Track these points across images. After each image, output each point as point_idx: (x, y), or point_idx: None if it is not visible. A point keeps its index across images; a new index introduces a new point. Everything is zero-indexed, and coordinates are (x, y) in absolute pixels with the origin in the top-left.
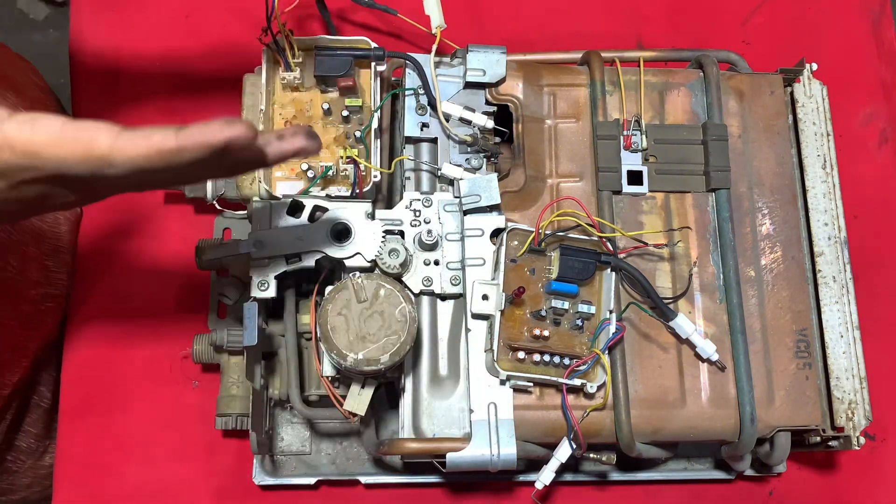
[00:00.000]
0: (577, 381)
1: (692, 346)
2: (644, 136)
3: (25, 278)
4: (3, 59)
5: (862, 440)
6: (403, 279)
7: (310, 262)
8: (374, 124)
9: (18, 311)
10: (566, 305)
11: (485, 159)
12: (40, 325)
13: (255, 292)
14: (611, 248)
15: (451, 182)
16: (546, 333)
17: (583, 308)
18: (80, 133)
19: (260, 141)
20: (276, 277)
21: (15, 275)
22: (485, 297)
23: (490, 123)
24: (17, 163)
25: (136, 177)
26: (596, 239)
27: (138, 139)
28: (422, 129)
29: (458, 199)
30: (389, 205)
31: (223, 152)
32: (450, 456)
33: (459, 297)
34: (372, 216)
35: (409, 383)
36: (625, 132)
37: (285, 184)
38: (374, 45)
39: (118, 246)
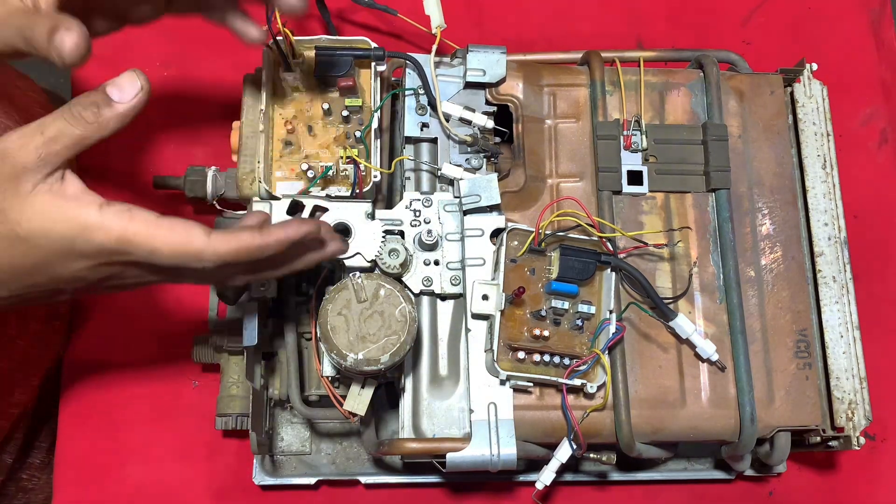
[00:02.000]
0: (577, 381)
1: (692, 346)
2: (644, 136)
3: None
4: (2, 76)
5: (862, 440)
6: (403, 279)
7: None
8: (374, 124)
9: (28, 330)
10: (566, 305)
11: (485, 159)
12: (49, 343)
13: (255, 292)
14: (611, 248)
15: (451, 182)
16: (546, 333)
17: (583, 308)
18: (176, 228)
19: (326, 238)
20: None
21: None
22: (485, 297)
23: (490, 123)
24: (109, 247)
25: (219, 270)
26: (596, 239)
27: (229, 238)
28: (422, 129)
29: (458, 199)
30: (389, 205)
31: (296, 246)
32: (450, 456)
33: (459, 297)
34: (372, 216)
35: (409, 383)
36: (625, 132)
37: (285, 184)
38: (374, 45)
39: None
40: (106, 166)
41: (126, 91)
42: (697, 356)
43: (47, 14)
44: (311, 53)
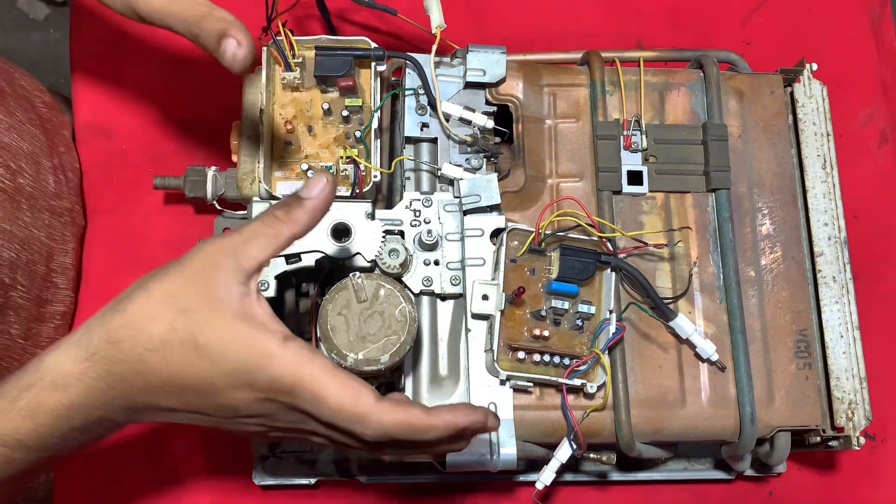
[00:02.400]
0: (577, 381)
1: (692, 346)
2: (644, 136)
3: (36, 297)
4: (9, 76)
5: (862, 440)
6: (403, 279)
7: (310, 262)
8: (374, 124)
9: (31, 331)
10: (566, 305)
11: (485, 159)
12: (51, 342)
13: None
14: (611, 248)
15: (451, 182)
16: (546, 333)
17: (583, 308)
18: (349, 385)
19: (489, 423)
20: (276, 277)
21: (25, 293)
22: (485, 297)
23: (490, 123)
24: (282, 383)
25: (378, 444)
26: (596, 239)
27: (397, 410)
28: (422, 129)
29: (458, 199)
30: (389, 205)
31: (462, 434)
32: (450, 456)
33: (459, 297)
34: (372, 216)
35: (409, 383)
36: (625, 132)
37: (285, 184)
38: (374, 45)
39: (119, 246)
40: (107, 166)
41: (314, 189)
42: (697, 356)
43: (212, 9)
44: (311, 53)
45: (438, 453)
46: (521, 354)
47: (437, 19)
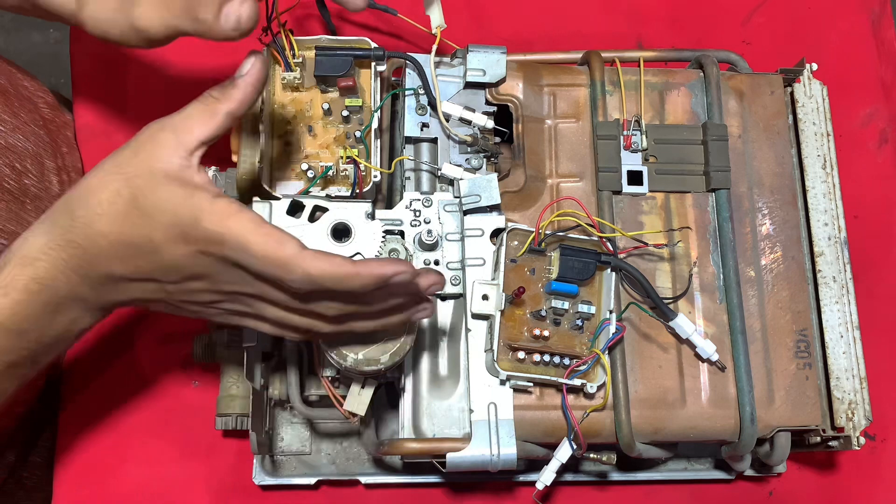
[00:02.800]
0: (577, 381)
1: (692, 346)
2: (644, 136)
3: None
4: (13, 77)
5: (862, 440)
6: None
7: None
8: (374, 124)
9: None
10: (566, 305)
11: (485, 159)
12: None
13: None
14: (611, 248)
15: (451, 182)
16: (546, 333)
17: (583, 308)
18: (273, 234)
19: (421, 282)
20: None
21: None
22: (485, 297)
23: (490, 123)
24: (210, 233)
25: (307, 296)
26: (596, 239)
27: (321, 257)
28: (422, 129)
29: (458, 199)
30: (389, 205)
31: (386, 284)
32: (450, 456)
33: (459, 297)
34: (372, 216)
35: (409, 383)
36: (625, 132)
37: (285, 184)
38: (374, 45)
39: None
40: None
41: (244, 68)
42: (697, 356)
43: None
44: (311, 53)
45: (382, 317)
46: (521, 354)
47: (437, 19)
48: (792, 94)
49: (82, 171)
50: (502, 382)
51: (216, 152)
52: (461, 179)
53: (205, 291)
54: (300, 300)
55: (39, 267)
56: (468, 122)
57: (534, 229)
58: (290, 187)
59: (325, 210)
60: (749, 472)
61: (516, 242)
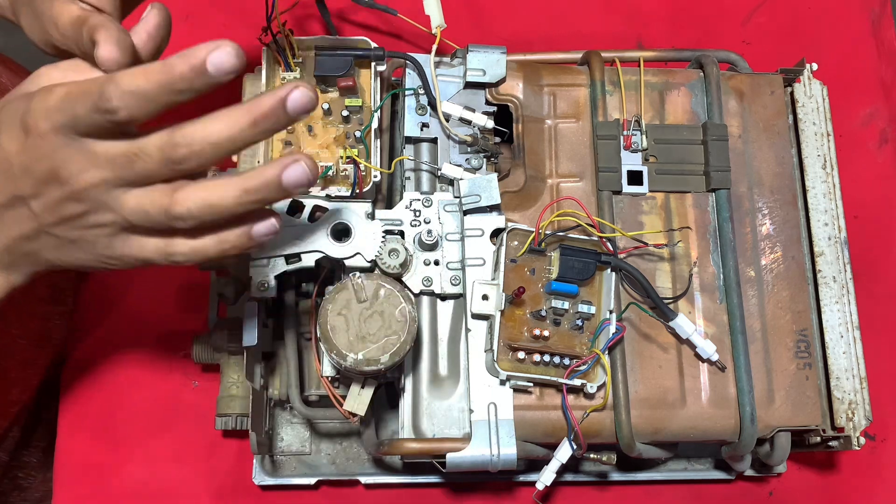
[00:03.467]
0: (577, 382)
1: (692, 347)
2: (644, 136)
3: (33, 294)
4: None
5: (862, 440)
6: (403, 279)
7: (310, 262)
8: (374, 124)
9: (28, 328)
10: (566, 305)
11: (485, 159)
12: (49, 341)
13: (255, 293)
14: (611, 248)
15: (451, 182)
16: (546, 333)
17: (583, 308)
18: (82, 79)
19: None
20: (276, 277)
21: (23, 290)
22: (485, 297)
23: (490, 123)
24: (32, 106)
25: (128, 118)
26: (596, 239)
27: (134, 69)
28: (422, 129)
29: (458, 199)
30: (389, 205)
31: (206, 74)
32: (450, 456)
33: (459, 297)
34: (372, 216)
35: (409, 383)
36: (625, 132)
37: None
38: (374, 45)
39: None
40: None
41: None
42: (697, 356)
43: (83, 9)
44: (311, 53)
45: (205, 251)
46: (521, 354)
47: (437, 19)
48: (792, 94)
49: None
50: (502, 382)
51: None
52: (461, 179)
53: (66, 200)
54: (146, 168)
55: None
56: (468, 122)
57: (534, 229)
58: None
59: (324, 210)
60: (749, 472)
61: (516, 242)
